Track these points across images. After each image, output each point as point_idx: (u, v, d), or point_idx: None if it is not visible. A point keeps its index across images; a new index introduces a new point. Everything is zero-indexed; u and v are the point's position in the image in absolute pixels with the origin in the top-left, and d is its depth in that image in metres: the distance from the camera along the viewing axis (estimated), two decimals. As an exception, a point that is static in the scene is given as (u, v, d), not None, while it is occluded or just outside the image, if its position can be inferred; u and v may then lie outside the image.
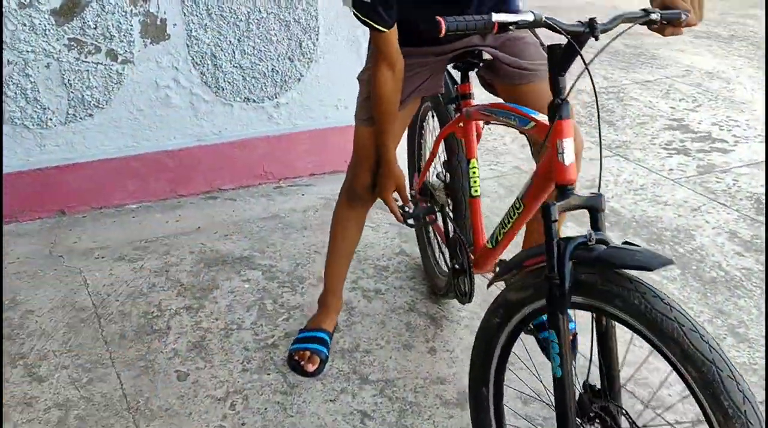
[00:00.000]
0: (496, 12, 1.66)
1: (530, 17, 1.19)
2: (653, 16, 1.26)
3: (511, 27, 1.20)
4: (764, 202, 2.89)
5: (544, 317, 1.29)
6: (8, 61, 2.47)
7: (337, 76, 2.98)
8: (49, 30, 2.48)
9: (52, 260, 2.45)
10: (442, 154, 2.02)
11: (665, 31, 1.31)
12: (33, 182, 2.64)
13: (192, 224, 2.71)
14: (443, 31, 1.17)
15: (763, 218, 2.77)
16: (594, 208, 1.27)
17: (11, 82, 2.50)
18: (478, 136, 1.86)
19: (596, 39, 1.21)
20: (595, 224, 1.27)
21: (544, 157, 1.35)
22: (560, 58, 1.26)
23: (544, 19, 1.19)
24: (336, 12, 2.86)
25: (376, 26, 1.51)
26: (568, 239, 1.25)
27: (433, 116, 2.20)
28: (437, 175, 2.18)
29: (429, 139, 2.30)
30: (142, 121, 2.74)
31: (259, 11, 2.73)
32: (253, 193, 2.96)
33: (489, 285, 1.53)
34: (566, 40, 1.23)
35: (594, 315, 1.26)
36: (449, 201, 2.02)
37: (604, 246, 1.22)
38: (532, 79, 1.67)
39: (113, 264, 2.43)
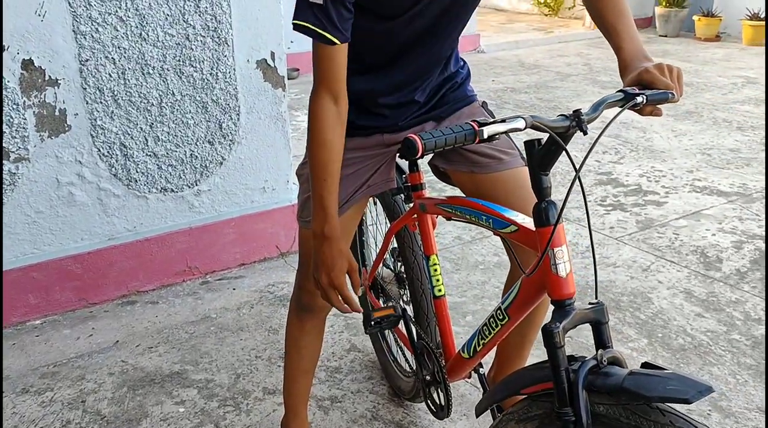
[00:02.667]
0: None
1: (521, 124, 1.01)
2: (639, 100, 1.12)
3: (497, 137, 1.02)
4: (709, 255, 2.86)
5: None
6: None
7: (263, 157, 2.75)
8: (-76, 130, 2.13)
9: (-62, 403, 2.04)
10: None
11: (644, 111, 1.18)
12: None
13: (108, 338, 2.36)
14: (420, 151, 0.99)
15: (712, 273, 2.72)
16: (598, 321, 1.10)
17: None
18: (433, 226, 1.66)
19: (584, 134, 1.05)
20: (601, 339, 1.10)
21: (531, 266, 1.16)
22: (543, 155, 1.09)
23: (533, 122, 1.03)
24: (257, 89, 2.65)
25: (325, 34, 1.17)
26: (574, 360, 1.07)
27: (375, 203, 2.00)
28: (385, 264, 1.98)
29: (369, 226, 2.09)
30: (41, 225, 2.39)
31: (173, 94, 2.47)
32: (178, 293, 2.64)
33: (479, 414, 1.31)
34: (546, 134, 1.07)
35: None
36: (408, 298, 1.80)
37: (620, 369, 1.05)
38: (496, 167, 1.46)
39: (16, 401, 2.04)
